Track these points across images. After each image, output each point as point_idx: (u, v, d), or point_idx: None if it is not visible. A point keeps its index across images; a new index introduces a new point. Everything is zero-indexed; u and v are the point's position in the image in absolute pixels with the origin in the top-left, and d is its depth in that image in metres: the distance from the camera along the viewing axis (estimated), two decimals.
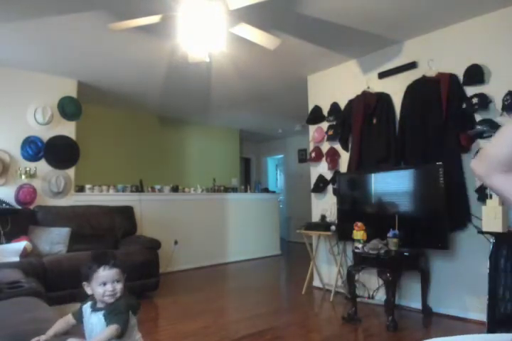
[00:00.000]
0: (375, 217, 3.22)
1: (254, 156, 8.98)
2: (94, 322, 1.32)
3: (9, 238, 3.28)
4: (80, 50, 3.49)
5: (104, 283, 1.34)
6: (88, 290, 1.38)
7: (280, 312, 3.28)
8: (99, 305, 1.37)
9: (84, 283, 1.38)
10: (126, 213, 4.34)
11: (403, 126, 3.28)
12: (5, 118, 3.83)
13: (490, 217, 2.47)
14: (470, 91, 2.89)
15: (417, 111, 3.16)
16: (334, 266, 3.78)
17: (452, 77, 2.97)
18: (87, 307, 1.38)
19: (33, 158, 3.93)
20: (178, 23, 2.55)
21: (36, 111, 3.96)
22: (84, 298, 1.43)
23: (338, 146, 3.89)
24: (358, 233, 3.03)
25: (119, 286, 1.36)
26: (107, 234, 3.93)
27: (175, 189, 5.37)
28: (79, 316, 1.38)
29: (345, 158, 3.79)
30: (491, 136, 2.77)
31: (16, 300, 1.77)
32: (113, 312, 1.31)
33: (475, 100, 2.80)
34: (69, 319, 1.39)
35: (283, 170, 8.86)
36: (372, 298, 3.24)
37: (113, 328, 1.25)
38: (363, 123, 3.54)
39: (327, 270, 3.98)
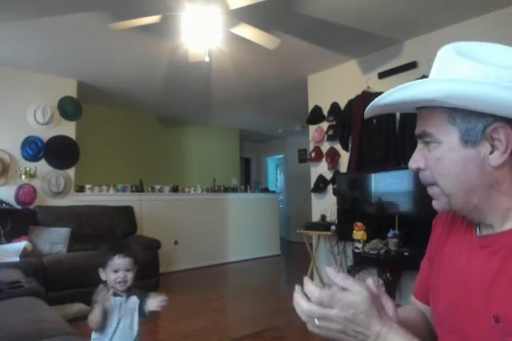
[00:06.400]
0: (375, 217, 3.22)
1: (254, 156, 8.98)
2: (132, 304, 1.50)
3: (9, 238, 3.28)
4: (80, 50, 3.49)
5: (117, 270, 1.48)
6: (103, 276, 1.51)
7: (280, 312, 3.28)
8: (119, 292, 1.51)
9: (100, 269, 1.52)
10: (126, 213, 4.34)
11: (403, 126, 3.28)
12: (5, 118, 3.83)
13: None
14: None
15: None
16: (334, 266, 3.78)
17: None
18: (114, 299, 1.48)
19: (33, 158, 3.93)
20: (178, 23, 2.56)
21: (36, 111, 3.96)
22: (90, 297, 1.49)
23: (338, 146, 3.89)
24: (358, 233, 3.03)
25: (130, 275, 1.51)
26: (106, 234, 3.93)
27: (175, 189, 5.37)
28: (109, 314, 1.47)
29: (345, 158, 3.79)
30: None
31: (16, 300, 1.77)
32: (144, 293, 1.54)
33: None
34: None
35: (283, 170, 8.86)
36: None
37: None
38: (362, 124, 3.54)
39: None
